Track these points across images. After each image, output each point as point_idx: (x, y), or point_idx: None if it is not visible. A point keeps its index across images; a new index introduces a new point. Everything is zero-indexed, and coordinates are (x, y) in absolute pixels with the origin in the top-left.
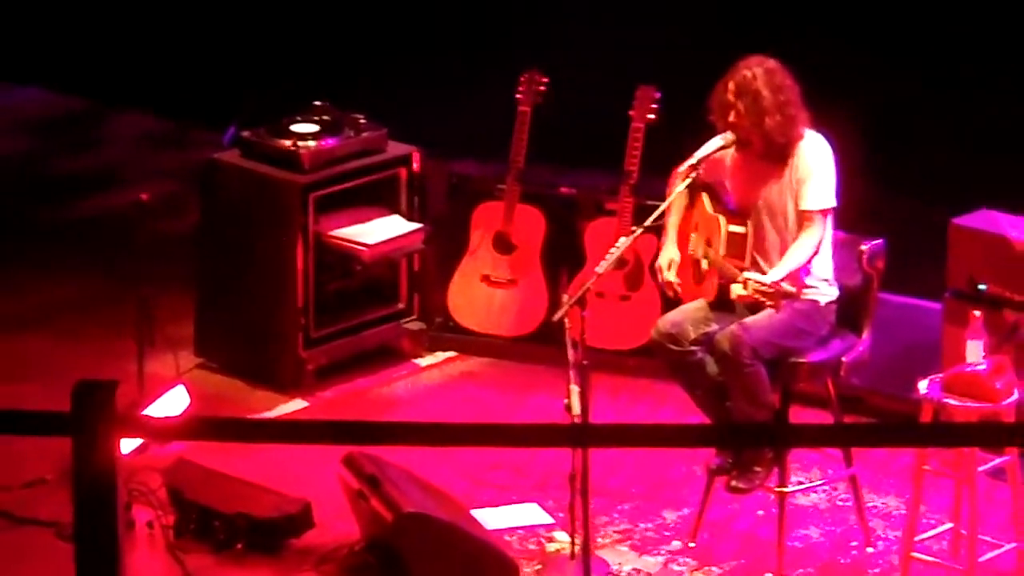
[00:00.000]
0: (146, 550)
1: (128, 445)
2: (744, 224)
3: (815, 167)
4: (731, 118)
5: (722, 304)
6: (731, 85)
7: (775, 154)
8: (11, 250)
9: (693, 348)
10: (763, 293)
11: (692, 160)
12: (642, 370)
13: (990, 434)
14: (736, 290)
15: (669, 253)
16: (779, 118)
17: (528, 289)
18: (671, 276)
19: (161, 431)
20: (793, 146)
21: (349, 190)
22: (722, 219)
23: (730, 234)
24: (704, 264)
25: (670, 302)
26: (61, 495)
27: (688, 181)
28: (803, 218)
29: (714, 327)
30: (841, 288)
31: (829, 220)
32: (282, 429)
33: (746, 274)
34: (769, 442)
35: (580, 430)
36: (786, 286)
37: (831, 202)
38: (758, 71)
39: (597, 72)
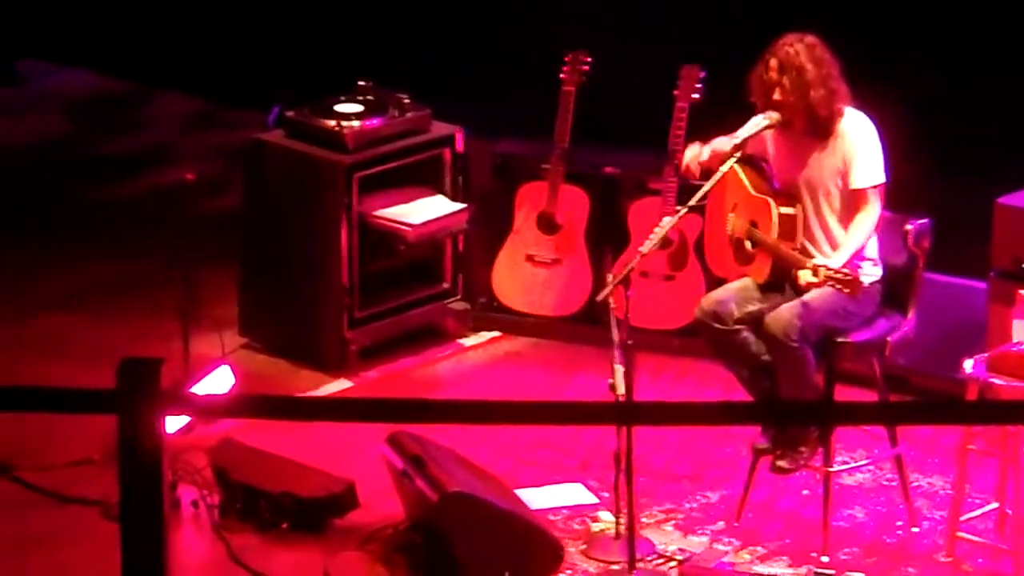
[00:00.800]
0: (192, 529)
1: (174, 425)
2: (794, 206)
3: (861, 145)
4: (776, 96)
5: (770, 285)
6: (773, 62)
7: (819, 130)
8: (57, 230)
9: (737, 327)
10: (837, 280)
11: (736, 140)
12: (686, 350)
13: None
14: (806, 277)
15: (695, 149)
16: (823, 91)
17: (572, 269)
18: (691, 161)
19: (206, 408)
20: (835, 122)
21: (393, 170)
22: (771, 201)
23: (782, 216)
24: (749, 245)
25: (715, 281)
26: (108, 475)
27: (732, 161)
28: (857, 197)
29: (759, 306)
30: (887, 268)
31: (880, 197)
32: (326, 407)
33: (816, 260)
34: (814, 420)
35: (625, 407)
36: (855, 274)
37: (881, 177)
38: (799, 47)
39: (641, 51)
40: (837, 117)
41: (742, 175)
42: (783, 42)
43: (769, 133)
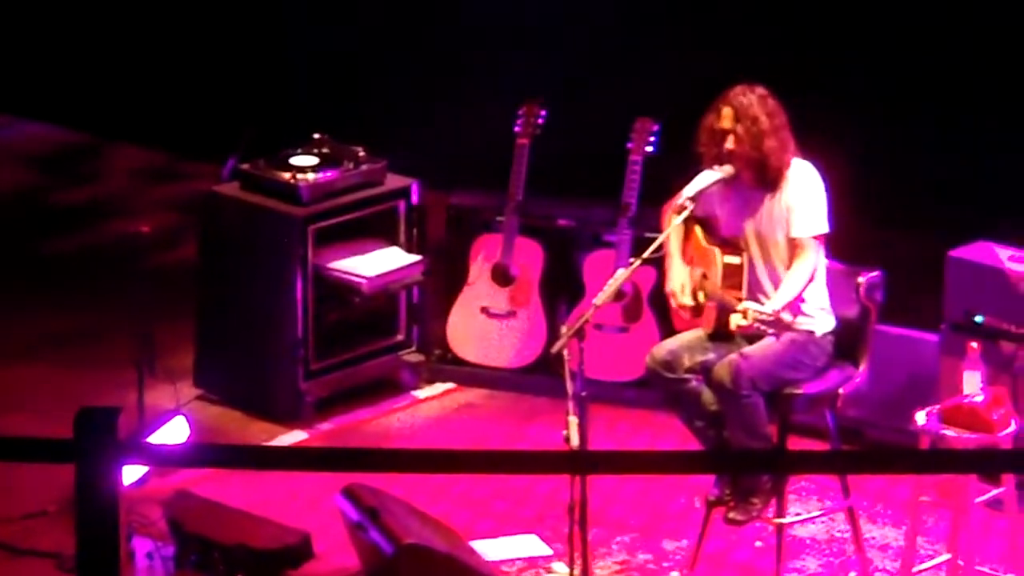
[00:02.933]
0: None
1: (129, 478)
2: (739, 255)
3: (804, 193)
4: (729, 145)
5: (720, 335)
6: (726, 111)
7: (768, 181)
8: (11, 281)
9: (687, 376)
10: (764, 322)
11: (689, 193)
12: (641, 401)
13: (987, 461)
14: (736, 320)
15: (678, 276)
16: (775, 142)
17: (527, 321)
18: (686, 300)
19: (163, 457)
20: (784, 172)
21: (348, 222)
22: (717, 251)
23: (726, 265)
24: (701, 297)
25: (668, 333)
26: (62, 527)
27: (685, 214)
28: (795, 245)
29: (710, 356)
30: (839, 320)
31: (821, 250)
32: (282, 456)
33: (745, 303)
34: (768, 468)
35: (579, 457)
36: (785, 315)
37: (823, 228)
38: (752, 97)
39: (595, 104)
40: (785, 168)
41: (697, 228)
42: (735, 92)
43: (717, 186)
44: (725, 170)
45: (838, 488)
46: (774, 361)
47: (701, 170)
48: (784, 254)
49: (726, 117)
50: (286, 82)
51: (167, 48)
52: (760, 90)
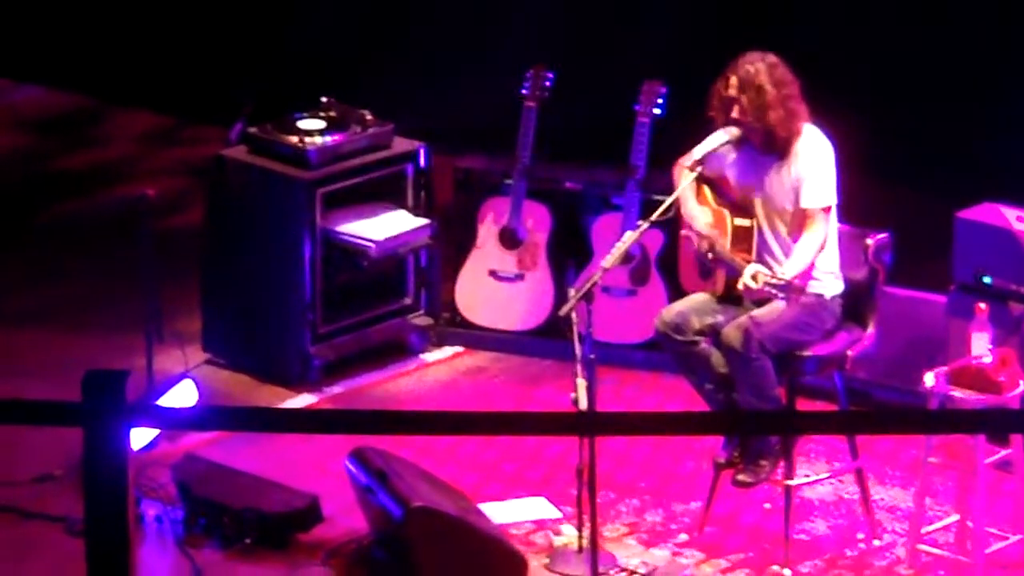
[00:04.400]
0: (155, 545)
1: (137, 442)
2: (750, 218)
3: (814, 164)
4: (734, 113)
5: (729, 298)
6: (733, 80)
7: (776, 149)
8: (17, 246)
9: (697, 338)
10: (774, 286)
11: (696, 155)
12: (649, 364)
13: (995, 422)
14: (746, 280)
15: (695, 212)
16: (782, 112)
17: (535, 284)
18: (704, 228)
19: (172, 421)
20: (794, 141)
21: (356, 186)
22: (727, 213)
23: (736, 227)
24: (710, 257)
25: (677, 296)
26: (70, 490)
27: (694, 175)
28: (804, 216)
29: (719, 319)
30: (847, 282)
31: (833, 216)
32: (290, 419)
33: (755, 266)
34: (777, 429)
35: (587, 418)
36: (796, 282)
37: (831, 200)
38: (760, 66)
39: (603, 67)
40: (795, 137)
41: (706, 189)
42: (744, 60)
43: (728, 148)
44: (731, 131)
45: (847, 450)
46: (783, 324)
47: (715, 131)
48: (790, 221)
49: (732, 86)
50: (292, 45)
51: (172, 10)
52: (771, 58)
